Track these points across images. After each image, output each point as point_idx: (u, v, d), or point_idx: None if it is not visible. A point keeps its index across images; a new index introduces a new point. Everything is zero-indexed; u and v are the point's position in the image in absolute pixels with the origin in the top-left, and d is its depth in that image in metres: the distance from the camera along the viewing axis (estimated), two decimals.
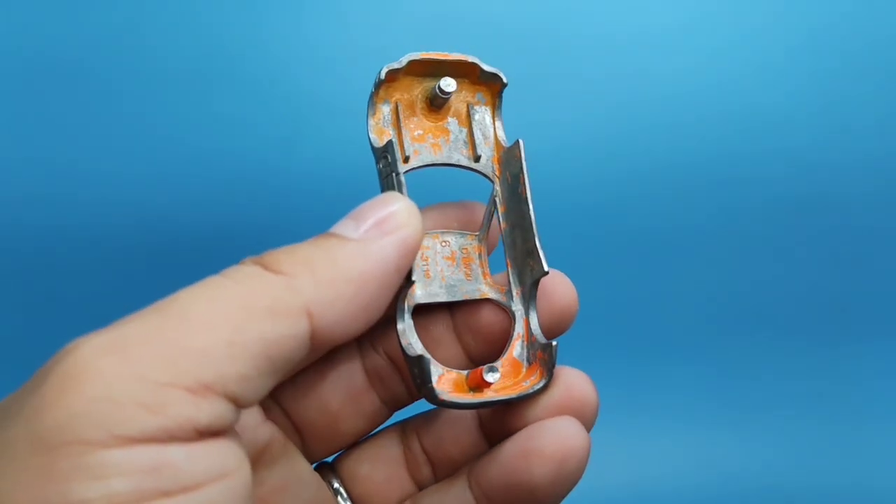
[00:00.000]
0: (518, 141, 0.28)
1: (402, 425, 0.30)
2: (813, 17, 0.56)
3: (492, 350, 0.29)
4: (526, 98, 0.52)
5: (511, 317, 0.29)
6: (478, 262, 0.29)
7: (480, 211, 0.30)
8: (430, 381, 0.25)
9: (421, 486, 0.30)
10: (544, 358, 0.27)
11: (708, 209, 0.57)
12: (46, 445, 0.17)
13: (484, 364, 0.27)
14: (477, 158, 0.29)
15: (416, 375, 0.26)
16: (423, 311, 0.28)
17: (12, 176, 0.49)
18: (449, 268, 0.29)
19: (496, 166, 0.30)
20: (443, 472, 0.29)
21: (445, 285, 0.28)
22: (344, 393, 0.29)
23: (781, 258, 0.58)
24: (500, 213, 0.29)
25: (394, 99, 0.28)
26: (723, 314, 0.58)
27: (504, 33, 0.53)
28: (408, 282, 0.27)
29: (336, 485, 0.29)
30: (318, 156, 0.52)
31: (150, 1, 0.50)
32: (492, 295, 0.29)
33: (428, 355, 0.26)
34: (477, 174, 0.30)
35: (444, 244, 0.29)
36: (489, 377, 0.26)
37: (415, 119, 0.29)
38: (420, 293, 0.28)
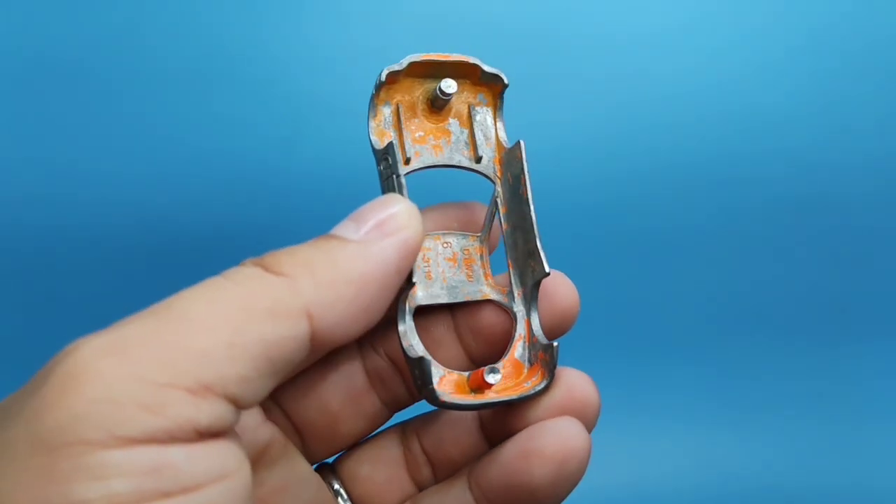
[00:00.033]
0: (519, 142, 0.28)
1: (403, 426, 0.30)
2: (813, 17, 0.56)
3: (493, 351, 0.29)
4: (526, 98, 0.52)
5: (512, 318, 0.29)
6: (479, 263, 0.29)
7: (481, 211, 0.30)
8: (432, 383, 0.25)
9: (421, 487, 0.30)
10: (546, 359, 0.27)
11: (708, 209, 0.57)
12: (47, 446, 0.17)
13: (485, 365, 0.27)
14: (478, 159, 0.29)
15: (417, 377, 0.26)
16: (424, 312, 0.28)
17: (12, 176, 0.49)
18: (450, 269, 0.29)
19: (497, 167, 0.29)
20: (443, 473, 0.29)
21: (447, 286, 0.28)
22: (344, 394, 0.29)
23: (781, 258, 0.58)
24: (501, 214, 0.29)
25: (395, 100, 0.28)
26: (723, 314, 0.58)
27: (504, 33, 0.53)
28: (409, 283, 0.27)
29: (336, 486, 0.29)
30: (318, 156, 0.52)
31: (150, 1, 0.50)
32: (493, 296, 0.29)
33: (429, 357, 0.26)
34: (478, 175, 0.30)
35: (445, 245, 0.29)
36: (490, 378, 0.26)
37: (416, 120, 0.29)
38: (421, 294, 0.28)
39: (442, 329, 0.29)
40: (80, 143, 0.50)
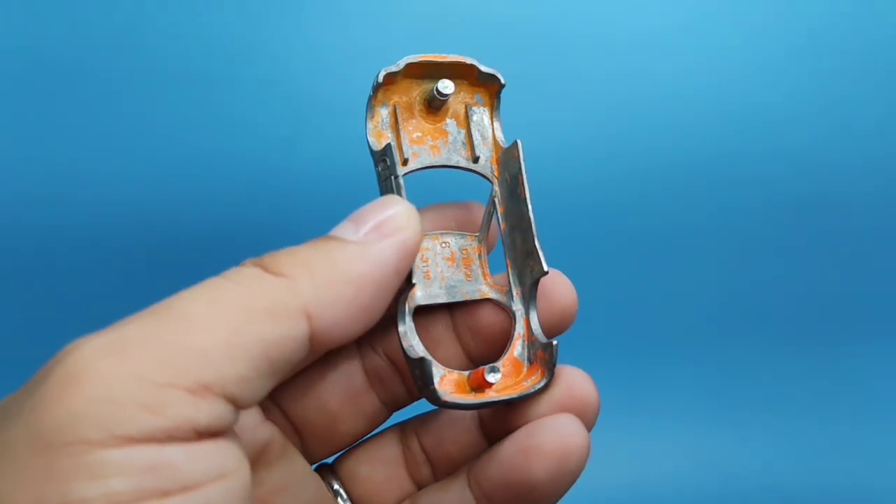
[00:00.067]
0: (516, 141, 0.28)
1: (402, 425, 0.30)
2: (813, 17, 0.56)
3: (492, 350, 0.29)
4: (526, 98, 0.52)
5: (511, 317, 0.29)
6: (478, 262, 0.29)
7: (479, 211, 0.30)
8: (432, 383, 0.26)
9: (420, 486, 0.30)
10: (545, 357, 0.27)
11: (708, 209, 0.57)
12: (46, 445, 0.17)
13: (484, 364, 0.27)
14: (476, 159, 0.29)
15: (417, 377, 0.26)
16: (422, 312, 0.28)
17: (12, 176, 0.49)
18: (449, 269, 0.29)
19: (495, 167, 0.29)
20: (442, 471, 0.29)
21: (445, 286, 0.28)
22: (343, 394, 0.29)
23: (781, 258, 0.58)
24: (499, 214, 0.29)
25: (392, 102, 0.28)
26: (723, 314, 0.58)
27: (504, 33, 0.53)
28: (408, 284, 0.27)
29: (336, 486, 0.29)
30: (318, 156, 0.52)
31: (150, 1, 0.50)
32: (492, 295, 0.29)
33: (429, 357, 0.26)
34: (476, 175, 0.30)
35: (443, 245, 0.29)
36: (490, 377, 0.26)
37: (413, 121, 0.29)
38: (420, 294, 0.28)
39: (441, 328, 0.29)
40: (80, 143, 0.50)
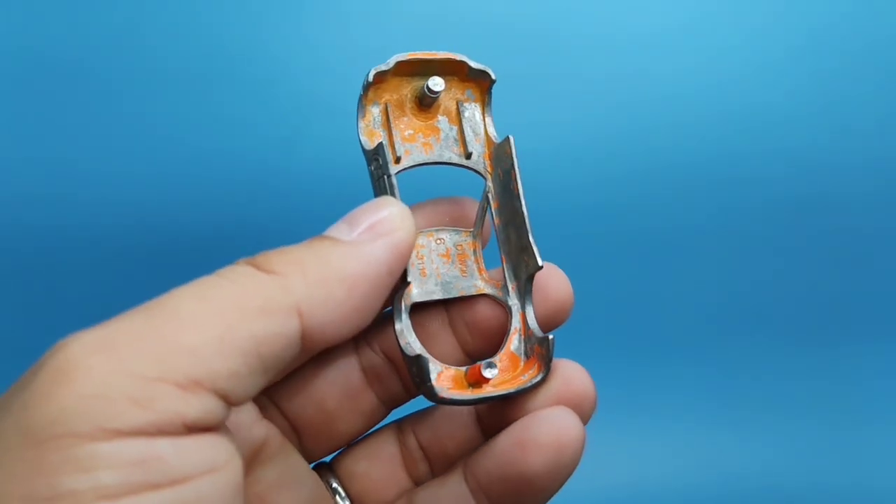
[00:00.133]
0: (508, 137, 0.28)
1: (399, 422, 0.30)
2: (813, 17, 0.56)
3: (488, 345, 0.29)
4: (526, 98, 0.52)
5: (507, 311, 0.29)
6: (473, 258, 0.29)
7: (472, 207, 0.30)
8: (430, 380, 0.26)
9: (418, 483, 0.30)
10: (542, 352, 0.27)
11: (708, 209, 0.57)
12: (36, 439, 0.17)
13: (480, 359, 0.27)
14: (468, 155, 0.29)
15: (414, 374, 0.26)
16: (419, 308, 0.28)
17: (12, 176, 0.49)
18: (444, 265, 0.29)
19: (488, 163, 0.30)
20: (439, 467, 0.29)
21: (441, 282, 0.28)
22: (341, 392, 0.29)
23: (781, 258, 0.58)
24: (493, 210, 0.29)
25: (383, 100, 0.28)
26: (723, 314, 0.58)
27: (504, 33, 0.54)
28: (403, 283, 0.27)
29: (334, 484, 0.29)
30: (318, 156, 0.52)
31: (150, 1, 0.50)
32: (488, 290, 0.29)
33: (426, 354, 0.26)
34: (469, 171, 0.30)
35: (438, 241, 0.29)
36: (487, 373, 0.26)
37: (405, 119, 0.29)
38: (416, 292, 0.28)
39: (437, 324, 0.29)
40: (80, 143, 0.50)
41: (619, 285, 0.57)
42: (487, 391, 0.27)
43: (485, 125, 0.30)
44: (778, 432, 0.57)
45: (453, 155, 0.29)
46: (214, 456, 0.19)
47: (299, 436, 0.29)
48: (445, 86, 0.28)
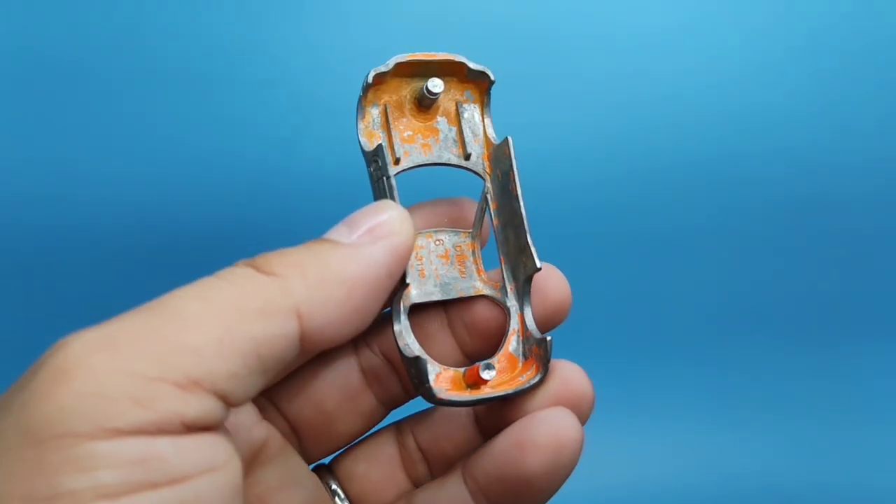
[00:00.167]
0: (507, 138, 0.28)
1: (398, 424, 0.30)
2: (813, 17, 0.56)
3: (487, 346, 0.29)
4: (526, 98, 0.52)
5: (506, 312, 0.29)
6: (472, 259, 0.29)
7: (471, 207, 0.30)
8: (428, 381, 0.26)
9: (417, 484, 0.30)
10: (540, 353, 0.27)
11: (708, 209, 0.57)
12: (36, 438, 0.17)
13: (479, 360, 0.27)
14: (467, 156, 0.29)
15: (413, 376, 0.26)
16: (417, 309, 0.29)
17: (12, 176, 0.49)
18: (443, 266, 0.29)
19: (486, 164, 0.30)
20: (438, 468, 0.29)
21: (440, 283, 0.28)
22: (340, 393, 0.29)
23: (781, 258, 0.58)
24: (491, 210, 0.29)
25: (382, 101, 0.28)
26: (723, 314, 0.58)
27: (504, 33, 0.54)
28: (402, 284, 0.27)
29: (333, 485, 0.29)
30: (318, 156, 0.52)
31: (150, 1, 0.50)
32: (486, 291, 0.29)
33: (425, 356, 0.26)
34: (467, 172, 0.30)
35: (437, 243, 0.29)
36: (485, 374, 0.26)
37: (404, 120, 0.29)
38: (415, 293, 0.28)
39: (436, 325, 0.29)
40: (80, 143, 0.50)
41: (618, 285, 0.57)
42: (486, 392, 0.27)
43: (484, 126, 0.30)
44: (778, 432, 0.57)
45: (452, 156, 0.29)
46: (213, 456, 0.19)
47: (299, 437, 0.29)
48: (444, 87, 0.28)
